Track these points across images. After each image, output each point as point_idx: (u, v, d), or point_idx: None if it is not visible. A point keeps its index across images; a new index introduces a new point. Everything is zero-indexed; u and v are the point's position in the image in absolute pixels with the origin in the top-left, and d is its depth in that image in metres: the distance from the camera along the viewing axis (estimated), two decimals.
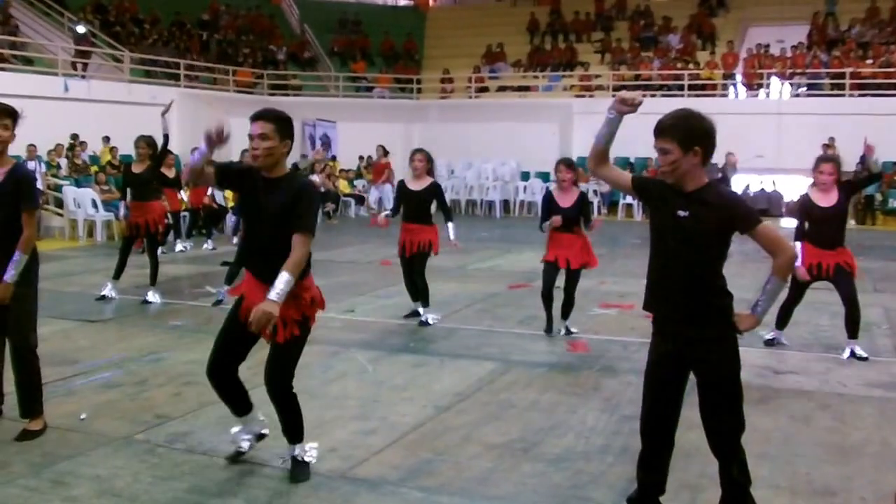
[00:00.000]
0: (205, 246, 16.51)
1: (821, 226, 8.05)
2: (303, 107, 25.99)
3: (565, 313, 9.01)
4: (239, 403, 5.23)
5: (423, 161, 9.54)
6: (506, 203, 26.10)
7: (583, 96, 27.86)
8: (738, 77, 27.16)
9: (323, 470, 5.20)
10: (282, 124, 4.86)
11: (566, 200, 8.78)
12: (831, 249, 8.02)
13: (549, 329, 9.04)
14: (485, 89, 30.05)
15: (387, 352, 8.32)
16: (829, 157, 8.62)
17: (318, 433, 5.71)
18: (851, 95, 24.98)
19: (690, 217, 4.02)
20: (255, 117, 4.89)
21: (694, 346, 4.09)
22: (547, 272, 8.87)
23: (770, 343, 8.48)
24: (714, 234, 4.03)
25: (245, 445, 5.37)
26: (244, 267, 5.17)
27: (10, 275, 5.58)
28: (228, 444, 5.53)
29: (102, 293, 10.92)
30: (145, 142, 11.05)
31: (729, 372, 4.10)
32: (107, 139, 21.10)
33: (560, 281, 8.87)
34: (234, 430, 5.40)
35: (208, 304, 10.60)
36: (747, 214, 4.05)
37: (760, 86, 26.70)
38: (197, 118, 22.55)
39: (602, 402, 6.68)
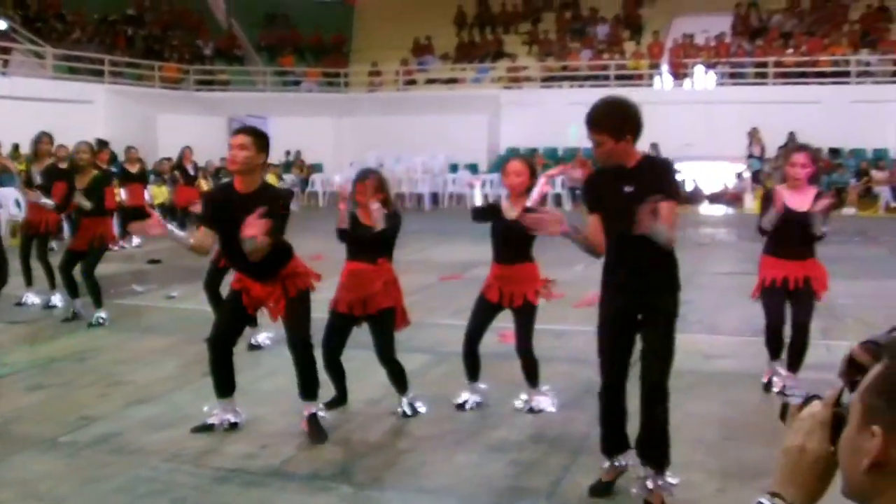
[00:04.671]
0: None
1: (788, 232, 6.38)
2: (231, 102, 25.59)
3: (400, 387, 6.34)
4: (226, 382, 5.66)
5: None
6: (435, 196, 26.05)
7: (511, 87, 28.00)
8: (664, 67, 27.48)
9: (254, 467, 5.14)
10: (262, 140, 5.41)
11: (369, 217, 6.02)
12: (801, 260, 6.51)
13: (336, 403, 6.26)
14: (413, 82, 30.00)
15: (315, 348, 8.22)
16: (801, 145, 6.91)
17: (249, 430, 5.65)
18: (775, 84, 25.48)
19: (636, 191, 4.25)
20: (238, 131, 5.54)
21: (644, 297, 4.45)
22: (329, 325, 6.27)
23: (783, 393, 6.41)
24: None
25: (216, 421, 5.66)
26: (237, 271, 5.64)
27: None
28: (156, 443, 5.46)
29: (50, 303, 10.00)
30: (88, 146, 9.86)
31: (667, 313, 4.45)
32: (16, 147, 19.66)
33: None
34: (211, 407, 5.73)
35: (134, 303, 10.40)
36: (671, 184, 4.51)
37: (686, 75, 27.04)
38: (124, 115, 22.32)
39: None
